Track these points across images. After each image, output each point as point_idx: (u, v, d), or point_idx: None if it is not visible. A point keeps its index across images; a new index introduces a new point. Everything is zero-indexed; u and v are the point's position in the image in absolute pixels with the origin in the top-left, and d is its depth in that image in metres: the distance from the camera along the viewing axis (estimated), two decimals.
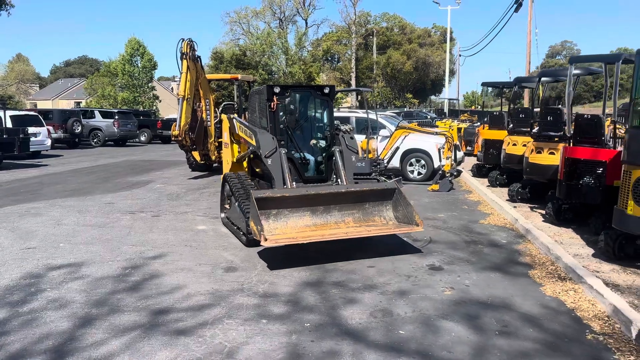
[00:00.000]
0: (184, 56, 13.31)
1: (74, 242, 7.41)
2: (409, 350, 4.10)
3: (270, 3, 59.97)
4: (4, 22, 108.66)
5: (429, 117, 36.10)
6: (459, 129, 22.16)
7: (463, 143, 20.20)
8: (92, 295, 5.29)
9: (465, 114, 34.85)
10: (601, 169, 7.14)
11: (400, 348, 4.14)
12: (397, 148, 13.01)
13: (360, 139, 12.68)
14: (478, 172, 14.27)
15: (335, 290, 5.47)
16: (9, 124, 18.15)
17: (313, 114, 8.36)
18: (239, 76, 16.79)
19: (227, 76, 19.58)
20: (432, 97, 72.40)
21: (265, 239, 5.88)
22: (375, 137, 12.95)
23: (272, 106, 7.72)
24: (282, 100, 7.78)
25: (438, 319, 4.73)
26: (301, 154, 7.80)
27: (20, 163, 18.02)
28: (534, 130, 9.98)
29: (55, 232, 7.95)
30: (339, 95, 55.00)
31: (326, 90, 7.99)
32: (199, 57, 14.05)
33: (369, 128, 12.65)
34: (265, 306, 5.01)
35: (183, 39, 13.39)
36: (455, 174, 12.73)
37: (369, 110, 14.06)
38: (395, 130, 13.07)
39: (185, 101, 13.13)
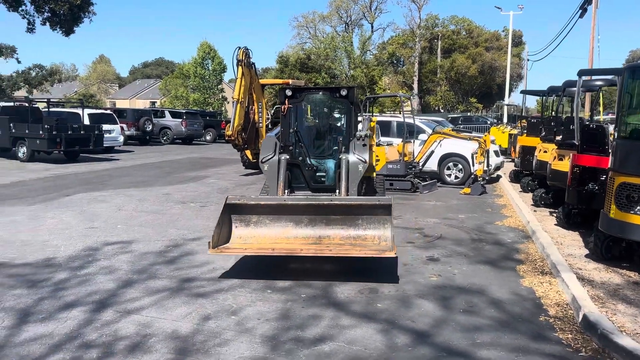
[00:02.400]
0: (240, 63, 14.58)
1: (129, 224, 8.69)
2: (379, 319, 4.91)
3: (337, 7, 61.15)
4: (88, 26, 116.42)
5: (489, 122, 35.82)
6: (510, 135, 22.23)
7: (513, 149, 20.28)
8: (135, 266, 6.45)
9: (524, 120, 34.26)
10: (604, 176, 7.54)
11: (373, 317, 4.96)
12: (432, 152, 13.60)
13: (398, 143, 13.42)
14: (515, 178, 14.56)
15: (334, 270, 6.33)
16: (87, 121, 20.22)
17: (330, 117, 8.05)
18: (290, 81, 17.92)
19: (279, 81, 20.80)
20: (498, 102, 70.97)
21: (210, 247, 5.83)
22: (411, 140, 13.61)
23: (282, 110, 7.66)
24: (294, 104, 7.62)
25: (415, 297, 5.50)
26: (310, 160, 7.56)
27: (94, 157, 20.11)
28: (557, 138, 10.34)
29: (116, 216, 9.29)
30: (397, 99, 55.28)
31: (344, 93, 7.46)
32: (253, 63, 15.30)
33: (405, 132, 13.35)
34: (273, 280, 5.95)
35: (239, 47, 14.67)
36: (487, 178, 13.16)
37: (408, 115, 14.74)
38: (430, 135, 13.67)
39: (239, 104, 14.37)
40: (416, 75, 58.47)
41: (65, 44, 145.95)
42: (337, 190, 7.16)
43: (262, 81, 17.23)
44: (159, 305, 5.17)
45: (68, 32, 31.48)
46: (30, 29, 31.56)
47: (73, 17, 31.04)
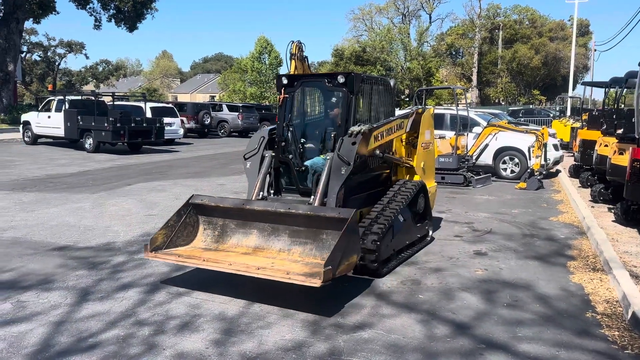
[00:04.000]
0: (292, 56, 14.78)
1: None
2: (419, 309, 4.95)
3: None
4: (151, 23, 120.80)
5: (551, 115, 34.50)
6: (572, 129, 21.35)
7: (574, 143, 19.53)
8: None
9: (585, 114, 32.74)
10: None
11: (413, 307, 5.00)
12: (486, 145, 13.33)
13: (451, 135, 13.25)
14: (575, 173, 14.05)
15: None
16: (149, 114, 21.09)
17: (329, 110, 6.73)
18: None
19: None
20: (564, 94, 68.06)
21: (145, 250, 5.44)
22: (465, 133, 13.38)
23: (278, 100, 6.66)
24: (290, 93, 6.49)
25: (458, 290, 5.48)
26: (299, 159, 6.35)
27: (156, 148, 20.99)
28: (618, 132, 9.91)
29: (173, 204, 9.71)
30: (457, 91, 54.07)
31: (341, 79, 6.08)
32: (306, 57, 15.44)
33: (458, 124, 13.15)
34: None
35: (292, 41, 14.86)
36: (545, 173, 12.77)
37: (462, 107, 14.50)
38: (485, 128, 13.39)
39: None
40: (475, 66, 57.04)
41: (130, 40, 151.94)
42: (312, 196, 5.81)
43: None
44: (208, 288, 5.42)
45: (132, 28, 32.88)
46: (97, 25, 33.20)
47: (136, 14, 32.38)
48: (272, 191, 6.49)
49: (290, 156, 6.38)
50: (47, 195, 10.51)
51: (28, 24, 35.62)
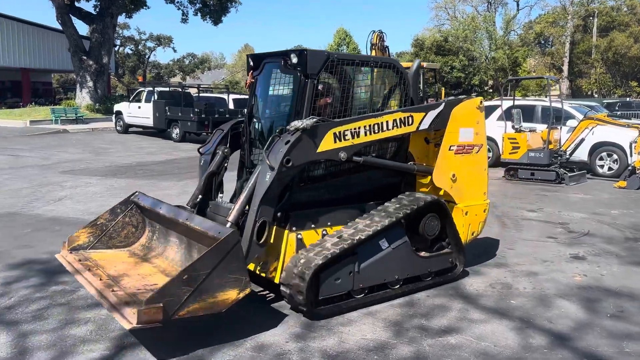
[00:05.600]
0: (373, 47, 14.52)
1: None
2: (511, 316, 4.59)
3: None
4: (233, 16, 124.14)
5: None
6: None
7: None
8: None
9: None
10: None
11: (504, 313, 4.66)
12: (582, 140, 12.41)
13: (542, 129, 12.45)
14: None
15: (468, 263, 6.05)
16: (231, 106, 21.58)
17: (282, 96, 5.33)
18: (424, 64, 17.38)
19: (408, 64, 20.29)
20: None
21: (63, 248, 4.94)
22: (558, 127, 12.52)
23: (246, 85, 5.64)
24: (256, 77, 5.36)
25: (554, 297, 5.05)
26: (248, 159, 5.35)
27: None
28: None
29: None
30: (543, 82, 51.32)
31: (294, 59, 4.69)
32: (387, 47, 15.12)
33: (551, 117, 12.33)
34: None
35: (374, 31, 14.59)
36: None
37: (555, 99, 13.60)
38: (581, 121, 12.46)
39: None
40: (567, 56, 53.75)
41: (213, 34, 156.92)
42: (233, 205, 4.62)
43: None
44: None
45: (216, 21, 33.79)
46: (184, 19, 34.41)
47: (221, 7, 33.22)
48: (221, 195, 5.51)
49: (252, 156, 5.21)
50: (137, 181, 10.97)
51: (121, 19, 37.51)
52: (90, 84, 29.76)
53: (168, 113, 19.91)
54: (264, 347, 3.97)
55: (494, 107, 14.66)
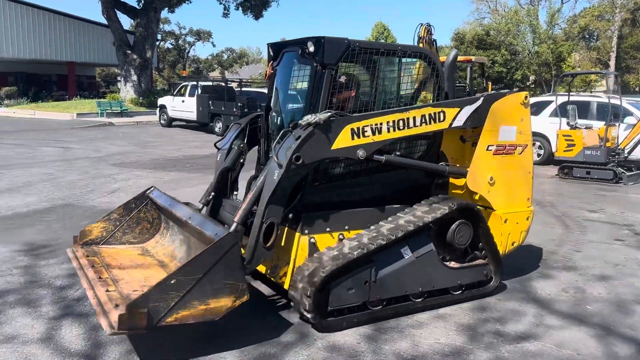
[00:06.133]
0: (420, 40, 14.26)
1: None
2: (590, 322, 4.39)
3: None
4: (274, 10, 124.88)
5: None
6: None
7: None
8: None
9: None
10: None
11: (582, 319, 4.45)
12: None
13: (598, 126, 11.99)
14: None
15: (533, 266, 5.83)
16: None
17: (301, 88, 4.92)
18: (473, 58, 17.02)
19: (461, 58, 19.88)
20: None
21: (74, 243, 4.77)
22: (616, 124, 12.02)
23: (265, 76, 5.43)
24: (275, 68, 5.04)
25: (633, 303, 4.81)
26: (264, 156, 5.15)
27: None
28: None
29: None
30: (591, 77, 49.53)
31: (311, 48, 4.33)
32: (434, 40, 14.84)
33: (609, 114, 11.87)
34: None
35: (421, 24, 14.32)
36: None
37: (613, 95, 13.08)
38: None
39: None
40: (614, 51, 51.93)
41: (252, 29, 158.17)
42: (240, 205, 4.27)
43: (442, 59, 16.69)
44: None
45: (257, 16, 33.93)
46: (226, 14, 34.68)
47: (262, 2, 33.32)
48: (236, 193, 5.30)
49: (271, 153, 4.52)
50: (186, 174, 11.08)
51: (163, 13, 38.09)
52: (134, 77, 30.35)
53: (211, 107, 20.07)
54: (336, 348, 3.89)
55: (547, 103, 14.24)
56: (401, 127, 4.38)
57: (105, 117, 25.79)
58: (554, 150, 12.97)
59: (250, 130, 5.24)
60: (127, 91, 30.71)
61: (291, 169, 3.96)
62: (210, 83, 23.55)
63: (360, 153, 4.21)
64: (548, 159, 13.49)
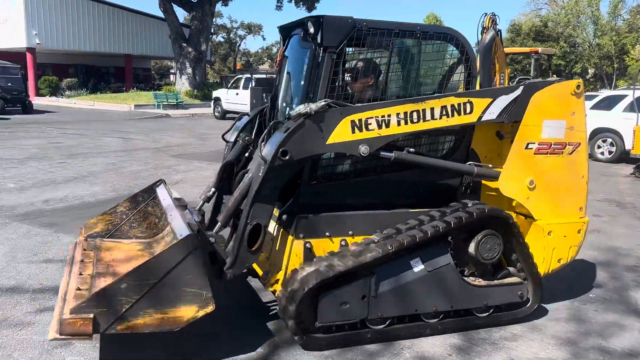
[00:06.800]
0: (484, 30, 13.73)
1: None
2: None
3: None
4: (327, 2, 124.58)
5: None
6: None
7: None
8: None
9: None
10: None
11: None
12: None
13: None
14: None
15: (628, 273, 5.41)
16: None
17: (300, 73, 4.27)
18: (540, 49, 16.28)
19: (527, 50, 19.10)
20: None
21: (81, 234, 4.45)
22: None
23: (275, 63, 4.96)
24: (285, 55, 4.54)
25: None
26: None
27: None
28: None
29: None
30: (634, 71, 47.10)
31: (311, 29, 3.73)
32: (499, 30, 14.26)
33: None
34: None
35: (485, 14, 13.77)
36: None
37: None
38: None
39: None
40: None
41: None
42: (225, 204, 4.10)
43: (507, 50, 16.04)
44: None
45: (310, 8, 33.82)
46: (279, 6, 34.72)
47: None
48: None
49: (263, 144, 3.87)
50: None
51: (217, 7, 38.51)
52: (189, 70, 30.83)
53: (265, 100, 20.01)
54: (424, 357, 3.64)
55: (619, 97, 13.46)
56: (415, 120, 3.73)
57: (161, 109, 26.29)
58: (627, 147, 12.26)
59: (260, 122, 4.75)
60: (182, 84, 31.24)
61: (276, 165, 3.45)
62: (263, 76, 23.59)
63: (363, 149, 3.61)
64: (620, 157, 12.77)
